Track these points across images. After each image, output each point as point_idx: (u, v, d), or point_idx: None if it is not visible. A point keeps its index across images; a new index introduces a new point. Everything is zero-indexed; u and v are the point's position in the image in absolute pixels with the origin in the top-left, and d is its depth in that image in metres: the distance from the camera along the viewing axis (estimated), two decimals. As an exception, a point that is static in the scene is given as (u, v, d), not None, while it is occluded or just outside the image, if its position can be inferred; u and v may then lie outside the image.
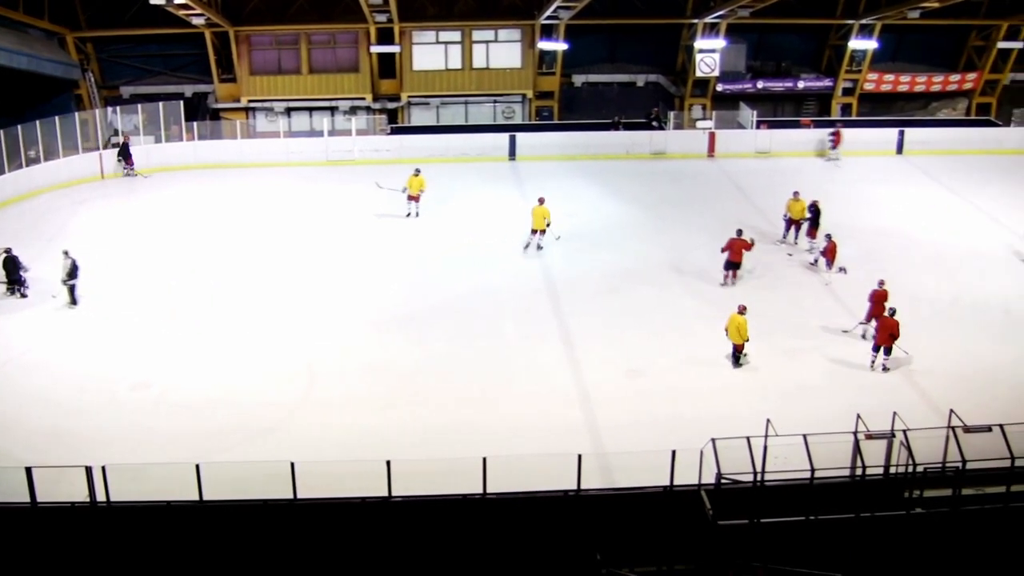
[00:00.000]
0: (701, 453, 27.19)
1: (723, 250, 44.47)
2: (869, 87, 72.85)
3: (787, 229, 48.89)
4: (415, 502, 27.42)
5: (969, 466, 28.02)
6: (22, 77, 59.42)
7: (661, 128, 67.49)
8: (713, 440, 27.09)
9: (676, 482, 27.63)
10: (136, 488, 27.07)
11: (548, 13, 62.81)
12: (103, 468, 26.61)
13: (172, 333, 39.10)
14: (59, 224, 50.48)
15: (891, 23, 68.28)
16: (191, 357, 37.22)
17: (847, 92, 72.83)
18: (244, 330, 39.47)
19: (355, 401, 34.15)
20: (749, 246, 44.57)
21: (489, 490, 27.30)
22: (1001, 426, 28.14)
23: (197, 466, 26.53)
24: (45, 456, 28.88)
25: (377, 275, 45.14)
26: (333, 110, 68.45)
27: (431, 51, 68.27)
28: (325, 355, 37.51)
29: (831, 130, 65.44)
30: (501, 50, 68.89)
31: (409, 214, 51.32)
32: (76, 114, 60.02)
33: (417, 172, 51.27)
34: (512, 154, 63.76)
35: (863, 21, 67.61)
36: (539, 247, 48.48)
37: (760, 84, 71.71)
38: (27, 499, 26.77)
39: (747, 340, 36.85)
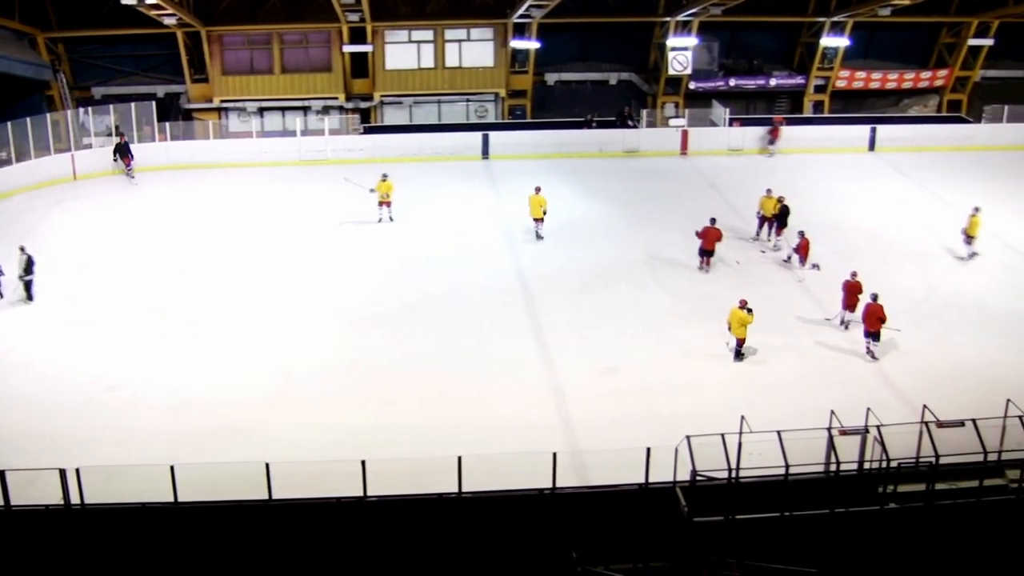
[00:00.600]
0: (676, 450, 27.25)
1: (698, 235, 45.42)
2: (841, 84, 73.02)
3: (760, 226, 49.00)
4: (390, 502, 27.42)
5: (942, 461, 28.20)
6: (-7, 78, 59.22)
7: (634, 126, 67.55)
8: (688, 437, 27.16)
9: (651, 479, 27.69)
10: (111, 490, 26.98)
11: (520, 12, 62.80)
12: (77, 470, 26.54)
13: (147, 334, 39.03)
14: (31, 226, 50.18)
15: (862, 20, 68.47)
16: (166, 358, 37.15)
17: (819, 89, 73.00)
18: (219, 331, 39.40)
19: (330, 401, 34.13)
20: (720, 235, 45.44)
21: (465, 489, 27.33)
22: (974, 421, 28.31)
23: (172, 467, 26.48)
24: (19, 458, 28.68)
25: (351, 274, 45.11)
26: (306, 110, 68.27)
27: (404, 50, 68.18)
28: (300, 355, 37.47)
29: (768, 127, 65.90)
30: (473, 49, 68.85)
31: (381, 219, 50.94)
32: (48, 115, 59.59)
33: (384, 177, 50.84)
34: (485, 153, 63.74)
35: (834, 18, 67.77)
36: (539, 236, 49.69)
37: (732, 82, 71.80)
38: (0, 502, 26.69)
39: (748, 324, 37.18)
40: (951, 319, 40.90)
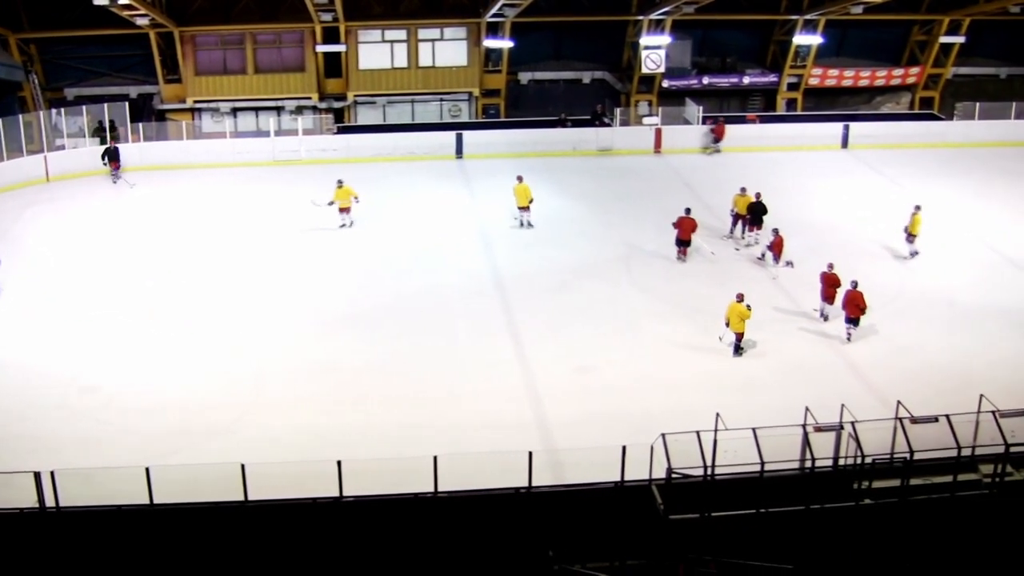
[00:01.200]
0: (651, 448, 27.30)
1: (674, 226, 46.04)
2: (814, 82, 73.22)
3: (734, 224, 49.11)
4: (366, 502, 27.40)
5: (916, 456, 28.31)
6: (-36, 79, 58.99)
7: (607, 125, 67.62)
8: (663, 435, 27.22)
9: (627, 477, 27.75)
10: (86, 493, 26.87)
11: (494, 11, 62.82)
12: (52, 473, 26.45)
13: (122, 336, 38.91)
14: (5, 227, 49.98)
15: (835, 18, 68.72)
16: (140, 360, 37.05)
17: (792, 87, 73.20)
18: (194, 332, 39.29)
19: (305, 401, 34.09)
20: (695, 225, 46.07)
21: (440, 488, 27.33)
22: (947, 417, 28.43)
23: (147, 469, 26.42)
24: (-7, 461, 28.68)
25: (325, 275, 45.03)
26: (279, 110, 68.14)
27: (377, 50, 68.11)
28: (274, 356, 37.42)
29: (711, 125, 66.09)
30: (447, 48, 68.82)
31: (343, 225, 50.41)
32: (20, 116, 59.40)
33: (340, 183, 50.09)
34: (459, 152, 63.70)
35: (807, 16, 67.96)
36: (529, 224, 51.36)
37: (706, 80, 71.92)
38: (-25, 506, 26.63)
39: (747, 319, 37.47)
40: (923, 315, 41.10)
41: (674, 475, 27.58)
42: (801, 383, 35.21)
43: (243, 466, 26.60)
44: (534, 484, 27.77)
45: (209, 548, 27.42)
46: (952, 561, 29.06)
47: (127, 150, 59.84)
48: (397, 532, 27.89)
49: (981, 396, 29.69)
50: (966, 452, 28.82)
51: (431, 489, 27.33)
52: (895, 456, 28.59)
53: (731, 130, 65.65)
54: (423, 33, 68.18)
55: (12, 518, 26.76)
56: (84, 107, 61.54)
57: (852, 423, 28.38)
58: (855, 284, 38.57)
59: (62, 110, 62.43)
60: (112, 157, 57.85)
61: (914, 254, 46.24)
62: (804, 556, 28.37)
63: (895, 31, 73.85)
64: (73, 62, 67.32)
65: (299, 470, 27.58)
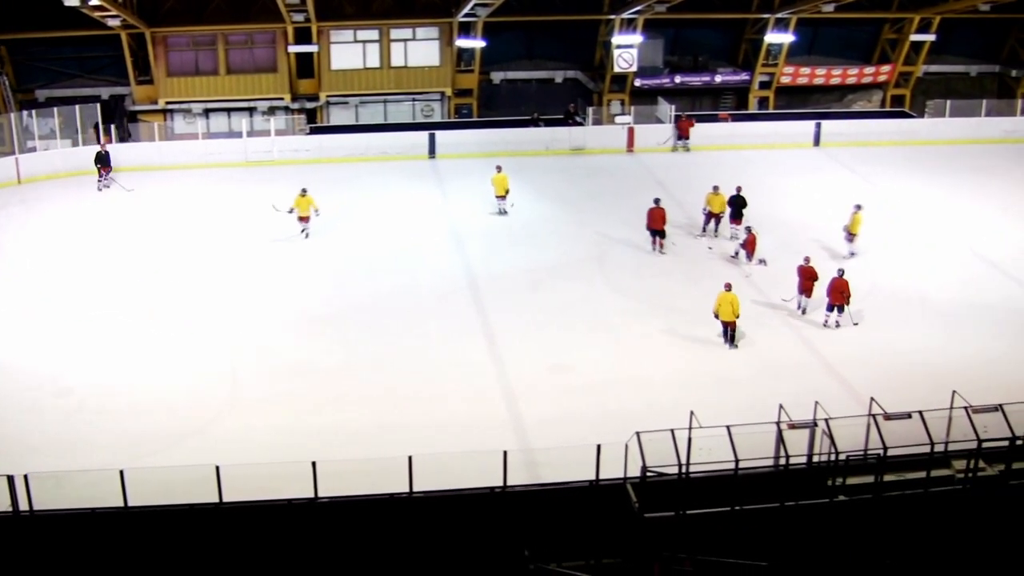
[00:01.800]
0: (626, 447, 27.35)
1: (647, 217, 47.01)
2: (786, 80, 73.30)
3: (707, 222, 49.20)
4: (342, 503, 27.38)
5: (890, 453, 28.42)
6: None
7: (580, 124, 67.66)
8: (638, 433, 27.26)
9: (602, 476, 27.82)
10: (60, 496, 26.81)
11: (466, 11, 62.77)
12: (25, 476, 26.35)
13: (95, 338, 38.76)
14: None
15: (806, 16, 68.82)
16: (114, 362, 36.93)
17: (764, 86, 73.28)
18: (167, 334, 39.18)
19: (279, 402, 34.05)
20: (664, 213, 47.15)
21: (415, 489, 27.33)
22: (920, 413, 28.56)
23: (121, 472, 26.34)
24: (-35, 465, 28.53)
25: (298, 276, 44.96)
26: (252, 111, 67.88)
27: (349, 50, 67.95)
28: (248, 357, 37.36)
29: (675, 122, 66.24)
30: (419, 48, 68.69)
31: (304, 232, 49.54)
32: (-10, 118, 59.30)
33: (304, 192, 49.36)
34: (432, 152, 63.64)
35: (779, 15, 68.06)
36: (504, 212, 53.10)
37: (678, 79, 71.91)
38: (-53, 510, 26.52)
39: (738, 316, 37.97)
40: (895, 312, 41.31)
41: (649, 473, 27.63)
42: (775, 380, 35.32)
43: (218, 467, 26.53)
44: (509, 483, 27.80)
45: (184, 550, 27.37)
46: (926, 556, 29.22)
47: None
48: (372, 533, 27.90)
49: (954, 392, 29.84)
50: (939, 448, 28.95)
51: (406, 489, 27.32)
52: (869, 452, 28.70)
53: (703, 129, 65.81)
54: (395, 33, 68.03)
55: (-15, 522, 26.71)
56: (55, 109, 61.26)
57: (826, 420, 28.48)
58: (841, 272, 39.51)
59: (33, 112, 62.04)
60: (103, 162, 57.23)
61: (852, 254, 46.16)
62: (779, 553, 28.49)
63: (866, 29, 74.07)
64: (44, 63, 66.89)
65: (274, 471, 27.51)
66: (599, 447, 27.32)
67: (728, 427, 27.49)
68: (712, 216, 48.82)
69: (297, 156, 62.34)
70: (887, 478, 28.96)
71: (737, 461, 27.47)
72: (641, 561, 27.93)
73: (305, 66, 67.71)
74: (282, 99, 67.83)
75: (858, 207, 46.65)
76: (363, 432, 32.04)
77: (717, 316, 38.33)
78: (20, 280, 44.04)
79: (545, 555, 27.88)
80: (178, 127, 66.96)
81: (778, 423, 28.60)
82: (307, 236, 49.33)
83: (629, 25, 66.98)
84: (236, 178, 59.39)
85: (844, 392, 34.40)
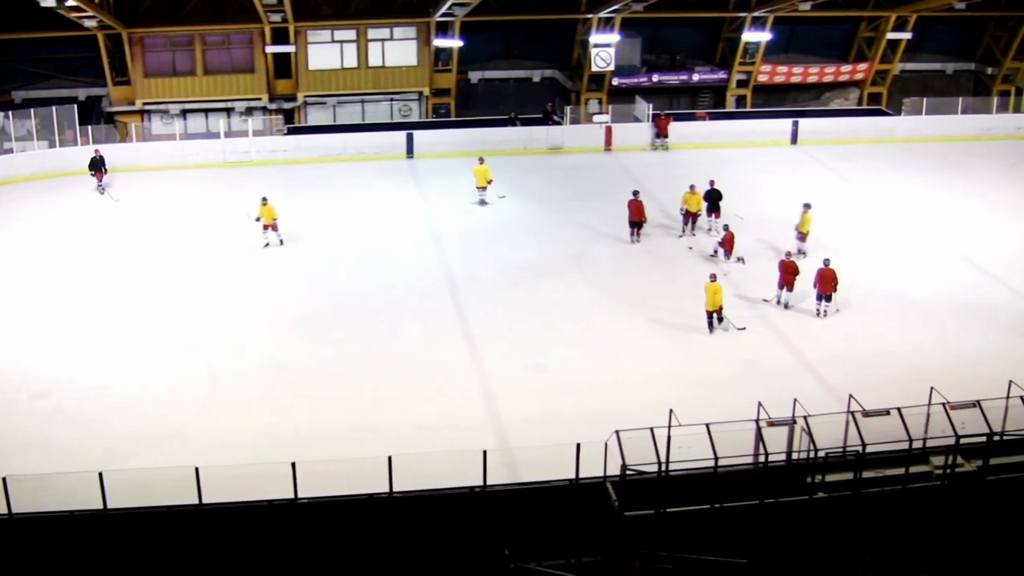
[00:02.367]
0: (606, 445, 27.36)
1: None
2: (763, 79, 73.52)
3: (685, 223, 49.24)
4: (322, 503, 27.34)
5: (869, 449, 28.49)
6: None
7: (558, 123, 67.71)
8: (617, 432, 27.28)
9: (582, 475, 27.81)
10: (38, 499, 26.69)
11: (443, 10, 62.78)
12: (3, 479, 26.22)
13: (72, 341, 38.66)
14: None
15: (783, 15, 68.95)
16: (92, 364, 36.81)
17: (741, 84, 73.44)
18: (145, 336, 39.08)
19: (258, 403, 34.02)
20: (642, 205, 48.31)
21: (395, 489, 27.29)
22: (899, 409, 28.62)
23: (100, 474, 26.26)
24: (-57, 468, 28.41)
25: (276, 277, 44.90)
26: (229, 111, 67.71)
27: (327, 50, 67.86)
28: (227, 358, 37.29)
29: (653, 121, 66.43)
30: (397, 48, 68.65)
31: (268, 244, 48.48)
32: (-34, 120, 59.03)
33: (264, 201, 48.48)
34: (410, 152, 63.60)
35: (756, 13, 68.20)
36: (484, 202, 54.08)
37: (655, 77, 72.01)
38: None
39: (720, 306, 38.93)
40: (873, 309, 41.48)
41: (628, 472, 27.66)
42: (754, 378, 35.40)
43: (197, 469, 26.46)
44: (489, 483, 27.77)
45: (164, 553, 27.29)
46: (905, 552, 29.31)
47: (76, 153, 59.40)
48: (353, 533, 27.86)
49: (932, 389, 29.92)
50: (917, 444, 29.03)
51: (386, 489, 27.29)
52: (848, 449, 28.79)
53: (681, 127, 65.92)
54: (372, 33, 67.98)
55: (-37, 525, 26.61)
56: (32, 110, 61.01)
57: (805, 417, 28.53)
58: (827, 262, 40.31)
59: (10, 113, 61.75)
60: (97, 167, 56.59)
61: (801, 253, 45.97)
62: (759, 550, 28.53)
63: (843, 27, 74.35)
64: (20, 65, 66.63)
65: (253, 472, 27.44)
66: (579, 446, 27.33)
67: (707, 425, 27.51)
68: (690, 215, 48.89)
69: (275, 156, 62.27)
70: (866, 475, 29.03)
71: (717, 459, 27.49)
72: (621, 559, 27.94)
73: (282, 66, 67.62)
74: (260, 99, 67.72)
75: (807, 206, 46.74)
76: (342, 432, 32.03)
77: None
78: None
79: (525, 554, 27.89)
80: (155, 128, 66.74)
81: (757, 421, 28.64)
82: (280, 243, 48.58)
83: (607, 24, 67.07)
84: (214, 179, 59.24)
85: (823, 390, 34.49)
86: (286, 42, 65.89)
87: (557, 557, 28.11)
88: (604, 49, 67.82)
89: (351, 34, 67.68)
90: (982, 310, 41.32)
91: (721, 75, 73.14)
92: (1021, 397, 29.70)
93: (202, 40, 66.37)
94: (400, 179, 59.35)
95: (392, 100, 70.43)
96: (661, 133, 65.45)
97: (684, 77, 72.87)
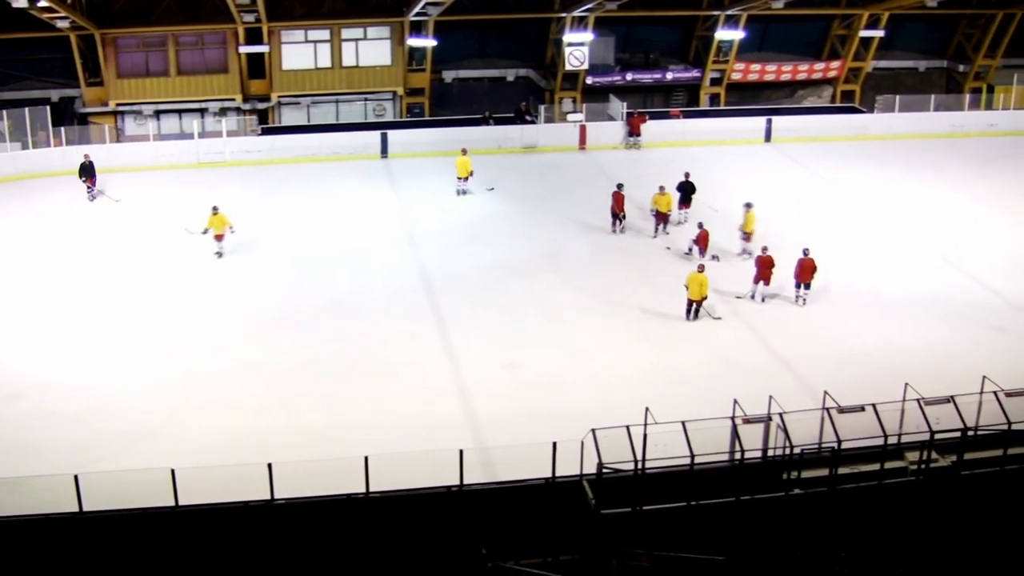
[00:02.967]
0: (582, 444, 27.39)
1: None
2: (736, 77, 73.68)
3: (657, 224, 49.24)
4: (298, 504, 27.33)
5: (844, 446, 28.62)
6: None
7: (532, 122, 67.76)
8: (593, 430, 27.32)
9: (558, 473, 27.86)
10: (13, 502, 26.57)
11: (417, 10, 62.73)
12: (-22, 482, 26.21)
13: (47, 342, 38.51)
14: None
15: (756, 13, 69.10)
16: (66, 366, 36.65)
17: (715, 82, 73.60)
18: (120, 337, 38.95)
19: (235, 404, 33.96)
20: (623, 198, 49.17)
21: (372, 489, 27.29)
22: (874, 405, 28.76)
23: (76, 477, 26.19)
24: (-83, 472, 28.27)
25: (252, 277, 44.80)
26: (203, 112, 67.55)
27: (300, 50, 67.73)
28: (203, 359, 37.21)
29: (625, 120, 66.69)
30: (371, 48, 68.57)
31: (219, 253, 47.35)
32: (-61, 122, 58.72)
33: (215, 210, 47.30)
34: (384, 152, 63.56)
35: (729, 12, 68.33)
36: (464, 191, 55.66)
37: (629, 76, 72.11)
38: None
39: (705, 297, 39.70)
40: (848, 305, 41.67)
41: (605, 470, 27.70)
42: (729, 376, 35.48)
43: (173, 471, 26.42)
44: (465, 482, 27.80)
45: (140, 555, 27.22)
46: (881, 547, 29.42)
47: (49, 155, 59.21)
48: (330, 534, 27.84)
49: (906, 385, 30.04)
50: (892, 440, 29.18)
51: (363, 490, 27.30)
52: (823, 446, 28.89)
53: (655, 126, 66.04)
54: (346, 33, 67.89)
55: (-62, 529, 26.50)
56: (4, 112, 60.64)
57: (780, 414, 28.64)
58: (807, 251, 41.24)
59: (-18, 115, 61.63)
60: (88, 173, 55.70)
61: (743, 253, 46.41)
62: (735, 547, 28.61)
63: (816, 25, 74.60)
64: (-8, 66, 66.54)
65: (230, 473, 27.40)
66: (555, 444, 27.37)
67: (683, 423, 27.58)
68: (660, 216, 48.90)
69: (249, 157, 62.17)
70: (841, 471, 29.15)
71: (693, 456, 27.58)
72: (598, 557, 27.98)
73: (256, 67, 67.46)
74: (233, 100, 67.55)
75: (748, 205, 46.86)
76: (319, 433, 31.98)
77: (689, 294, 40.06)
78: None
79: (502, 553, 27.89)
80: (129, 129, 66.57)
81: (733, 418, 28.72)
82: (220, 256, 47.16)
83: (580, 23, 67.13)
84: (188, 180, 59.02)
85: (798, 386, 34.58)
86: (259, 42, 65.73)
87: (534, 556, 28.12)
88: (578, 48, 67.89)
89: (325, 34, 67.58)
90: (956, 306, 41.52)
91: (695, 73, 73.27)
92: (995, 392, 29.85)
93: (175, 41, 66.16)
94: (375, 179, 59.31)
95: (366, 100, 70.37)
96: (634, 132, 65.57)
97: (658, 76, 72.99)
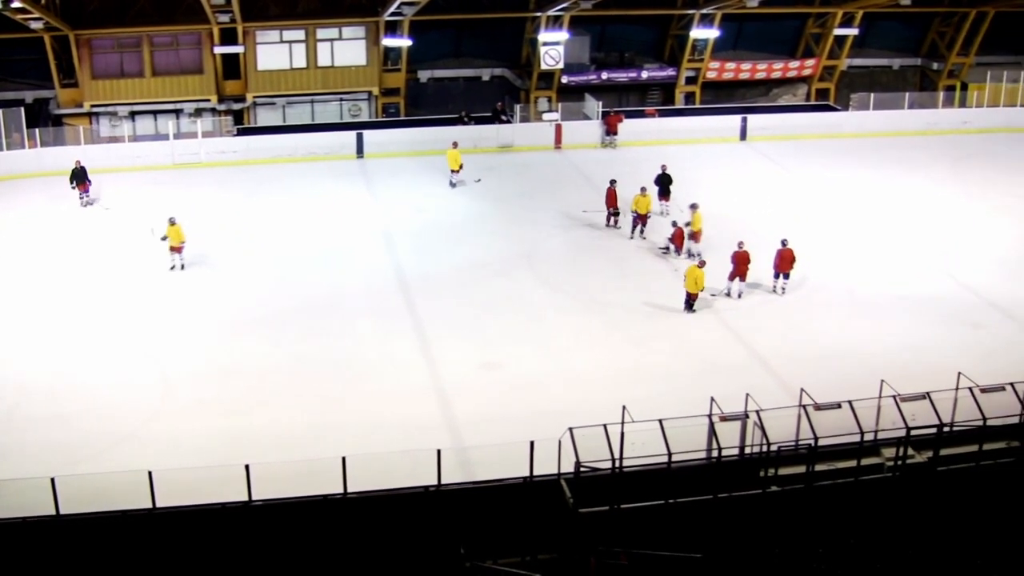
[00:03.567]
0: (559, 443, 27.44)
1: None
2: (711, 75, 73.84)
3: (634, 226, 49.18)
4: (276, 505, 27.30)
5: (821, 443, 28.73)
6: None
7: (508, 121, 67.77)
8: (570, 429, 27.35)
9: (536, 473, 27.91)
10: (-10, 505, 26.59)
11: (392, 10, 62.63)
12: (-46, 486, 26.13)
13: (21, 346, 38.38)
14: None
15: (731, 12, 69.22)
16: (42, 369, 36.51)
17: (690, 81, 73.75)
18: (96, 339, 38.83)
19: (211, 406, 33.89)
20: (615, 194, 49.69)
21: (350, 489, 27.30)
22: (850, 402, 28.88)
23: (52, 480, 26.13)
24: None
25: (228, 278, 44.71)
26: (178, 113, 67.29)
27: (275, 51, 67.57)
28: (179, 361, 37.10)
29: (601, 119, 66.78)
30: (346, 48, 68.46)
31: (173, 267, 45.65)
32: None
33: (172, 221, 45.98)
34: (360, 152, 63.50)
35: (704, 11, 68.44)
36: (454, 183, 57.12)
37: (604, 75, 72.20)
38: None
39: (702, 289, 40.29)
40: (823, 303, 41.84)
41: (582, 469, 27.74)
42: (706, 374, 35.59)
43: (150, 473, 26.38)
44: (443, 482, 27.83)
45: (117, 557, 27.18)
46: (858, 543, 29.55)
47: (24, 157, 59.00)
48: (308, 535, 27.83)
49: (882, 381, 30.17)
50: (868, 437, 29.31)
51: (340, 490, 27.30)
52: (800, 443, 29.00)
53: (631, 125, 66.11)
54: (321, 33, 67.76)
55: (-86, 533, 26.40)
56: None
57: (757, 412, 28.73)
58: (785, 242, 42.16)
59: (-44, 118, 61.34)
60: (80, 179, 54.94)
61: (694, 253, 46.24)
62: (713, 544, 28.70)
63: (790, 24, 74.78)
64: (-35, 68, 66.27)
65: (207, 475, 27.37)
66: (532, 444, 27.41)
67: (660, 421, 27.67)
68: (640, 218, 48.85)
69: (225, 158, 62.02)
70: (818, 467, 29.28)
71: (670, 455, 27.66)
72: (576, 556, 28.04)
73: (231, 67, 67.29)
74: (208, 100, 67.36)
75: (694, 206, 46.91)
76: (296, 434, 31.95)
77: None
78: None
79: (481, 552, 27.94)
80: (104, 130, 66.26)
81: (710, 416, 28.79)
82: (182, 268, 45.78)
83: (555, 22, 67.17)
84: (164, 181, 58.80)
85: (775, 384, 34.68)
86: (234, 43, 65.58)
87: (513, 555, 28.18)
88: (553, 47, 67.94)
89: (300, 34, 67.44)
90: (931, 303, 41.70)
91: (670, 72, 73.39)
92: (970, 388, 30.03)
93: (150, 41, 65.94)
94: (351, 179, 59.26)
95: (341, 100, 70.26)
96: (611, 131, 65.66)
97: (633, 74, 73.11)
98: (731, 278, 41.61)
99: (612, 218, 50.22)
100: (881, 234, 49.60)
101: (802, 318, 40.47)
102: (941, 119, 70.25)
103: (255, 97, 68.13)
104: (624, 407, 28.31)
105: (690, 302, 40.61)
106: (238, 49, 65.85)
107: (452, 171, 57.17)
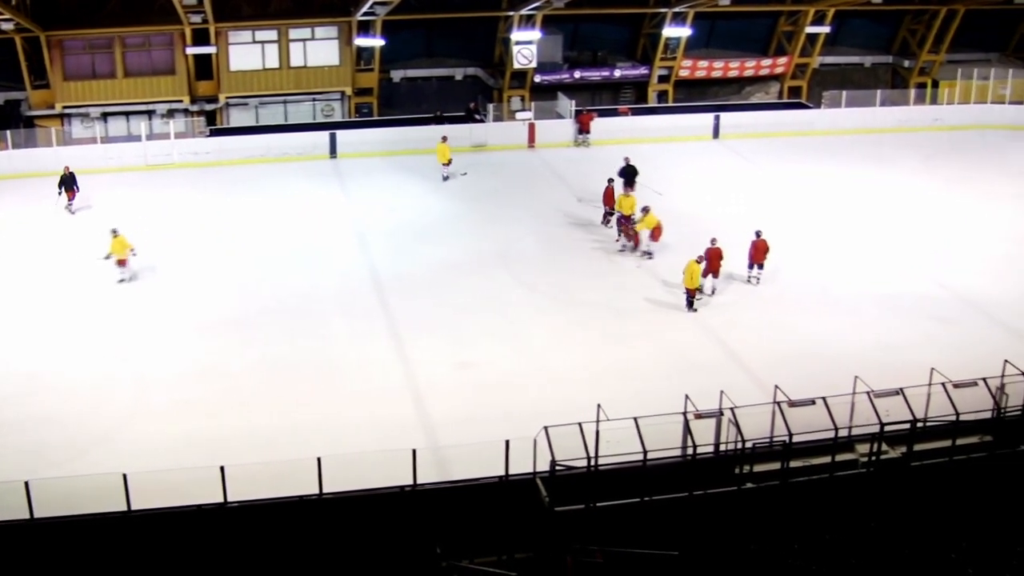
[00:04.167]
0: (535, 442, 27.47)
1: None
2: (684, 74, 73.98)
3: (619, 225, 49.04)
4: (252, 506, 27.27)
5: (795, 439, 28.83)
6: None
7: (481, 121, 67.78)
8: (546, 428, 27.37)
9: (511, 471, 27.95)
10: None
11: (364, 10, 62.59)
12: (-73, 490, 26.01)
13: (-7, 347, 38.31)
14: None
15: (703, 10, 69.36)
16: (15, 372, 36.38)
17: (663, 79, 73.88)
18: (69, 341, 38.71)
19: (186, 407, 33.79)
20: (613, 191, 49.68)
21: (325, 490, 27.28)
22: (824, 399, 28.97)
23: (26, 483, 26.04)
24: None
25: (202, 279, 44.57)
26: (151, 114, 67.08)
27: (248, 51, 67.41)
28: (153, 362, 37.00)
29: (574, 118, 66.90)
30: (318, 48, 68.35)
31: (123, 279, 44.35)
32: None
33: (115, 233, 44.92)
34: (333, 152, 63.41)
35: (676, 9, 68.52)
36: (445, 177, 57.90)
37: (577, 74, 72.29)
38: None
39: (699, 287, 40.44)
40: (797, 300, 41.96)
41: (558, 467, 27.77)
42: (681, 371, 35.68)
43: (125, 475, 26.32)
44: (419, 482, 27.84)
45: (92, 560, 27.10)
46: (833, 539, 29.65)
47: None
48: (284, 536, 27.80)
49: (856, 378, 30.31)
50: (843, 433, 29.41)
51: (316, 491, 27.28)
52: (775, 439, 29.10)
53: (604, 123, 66.21)
54: (294, 33, 67.65)
55: None
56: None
57: (731, 409, 28.80)
58: (759, 233, 42.98)
59: (-74, 120, 61.07)
60: (68, 185, 54.17)
61: (648, 254, 46.66)
62: (689, 541, 28.76)
63: (762, 22, 75.01)
64: (-64, 70, 65.90)
65: (182, 477, 27.31)
66: (508, 443, 27.45)
67: (635, 419, 27.71)
68: (624, 218, 48.73)
69: (197, 159, 61.87)
70: (793, 464, 29.39)
71: (645, 452, 27.70)
72: (553, 554, 28.06)
73: (204, 68, 67.11)
74: (181, 101, 67.17)
75: (646, 209, 46.65)
76: (271, 435, 31.89)
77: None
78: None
79: (457, 552, 27.94)
80: (76, 132, 66.03)
81: (685, 413, 28.86)
82: (130, 280, 44.55)
83: (528, 21, 67.19)
84: (136, 182, 58.64)
85: (749, 381, 34.76)
86: (207, 43, 65.40)
87: (489, 554, 28.17)
88: (526, 46, 67.97)
89: (272, 34, 67.31)
90: (903, 299, 41.86)
91: (643, 71, 73.49)
92: (943, 384, 30.16)
93: (122, 42, 65.72)
94: (324, 179, 59.18)
95: (314, 100, 70.15)
96: (584, 129, 65.74)
97: (606, 73, 73.21)
98: (704, 275, 41.62)
99: (609, 217, 49.97)
100: (854, 231, 49.78)
101: (776, 315, 40.58)
102: (912, 116, 70.60)
103: (228, 98, 67.97)
104: (599, 405, 28.39)
105: (690, 300, 40.75)
106: (210, 50, 65.68)
107: (442, 164, 57.84)
